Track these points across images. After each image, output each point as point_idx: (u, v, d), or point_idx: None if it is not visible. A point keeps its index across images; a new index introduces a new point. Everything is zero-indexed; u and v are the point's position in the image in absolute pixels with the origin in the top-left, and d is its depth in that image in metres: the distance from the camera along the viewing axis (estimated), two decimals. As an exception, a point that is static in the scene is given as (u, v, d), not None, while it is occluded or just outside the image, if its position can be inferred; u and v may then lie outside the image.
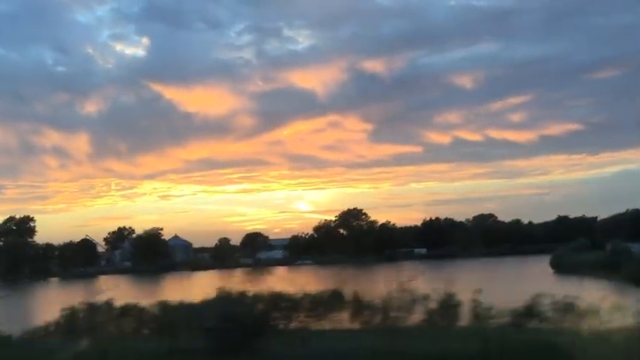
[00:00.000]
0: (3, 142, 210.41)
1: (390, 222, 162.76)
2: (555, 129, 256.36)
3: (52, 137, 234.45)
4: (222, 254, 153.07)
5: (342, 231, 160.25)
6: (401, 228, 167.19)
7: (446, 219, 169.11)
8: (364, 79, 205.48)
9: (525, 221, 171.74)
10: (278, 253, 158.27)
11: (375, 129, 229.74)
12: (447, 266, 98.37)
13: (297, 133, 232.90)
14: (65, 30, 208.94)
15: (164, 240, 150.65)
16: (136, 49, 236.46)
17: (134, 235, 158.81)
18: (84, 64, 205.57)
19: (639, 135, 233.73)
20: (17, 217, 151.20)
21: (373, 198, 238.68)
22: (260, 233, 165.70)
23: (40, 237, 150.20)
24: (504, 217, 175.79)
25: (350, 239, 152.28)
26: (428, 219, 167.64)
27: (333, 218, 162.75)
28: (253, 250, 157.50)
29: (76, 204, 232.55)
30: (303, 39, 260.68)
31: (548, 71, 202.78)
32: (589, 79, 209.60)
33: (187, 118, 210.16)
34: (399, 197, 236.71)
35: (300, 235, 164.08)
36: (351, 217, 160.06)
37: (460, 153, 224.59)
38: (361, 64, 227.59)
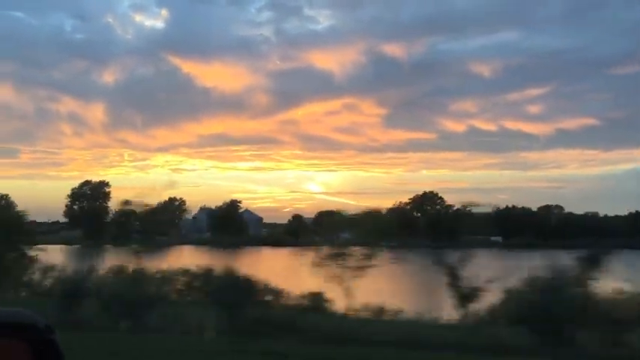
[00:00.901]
0: (19, 106, 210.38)
1: (465, 207, 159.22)
2: (571, 123, 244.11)
3: (68, 104, 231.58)
4: (297, 231, 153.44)
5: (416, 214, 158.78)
6: (472, 214, 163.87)
7: (522, 207, 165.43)
8: (382, 62, 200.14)
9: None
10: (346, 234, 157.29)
11: (390, 114, 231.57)
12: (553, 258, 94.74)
13: (311, 113, 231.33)
14: None
15: (240, 213, 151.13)
16: (155, 20, 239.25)
17: (200, 207, 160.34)
18: (103, 33, 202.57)
19: None
20: (93, 181, 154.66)
21: (384, 183, 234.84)
22: (335, 211, 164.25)
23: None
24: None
25: (424, 223, 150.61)
26: (503, 206, 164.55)
27: (407, 200, 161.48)
28: (327, 229, 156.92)
29: (89, 172, 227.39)
30: (323, 19, 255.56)
31: (568, 64, 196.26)
32: (609, 73, 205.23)
33: (203, 92, 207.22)
34: (410, 183, 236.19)
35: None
36: (427, 200, 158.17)
37: (474, 142, 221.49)
38: (380, 47, 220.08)
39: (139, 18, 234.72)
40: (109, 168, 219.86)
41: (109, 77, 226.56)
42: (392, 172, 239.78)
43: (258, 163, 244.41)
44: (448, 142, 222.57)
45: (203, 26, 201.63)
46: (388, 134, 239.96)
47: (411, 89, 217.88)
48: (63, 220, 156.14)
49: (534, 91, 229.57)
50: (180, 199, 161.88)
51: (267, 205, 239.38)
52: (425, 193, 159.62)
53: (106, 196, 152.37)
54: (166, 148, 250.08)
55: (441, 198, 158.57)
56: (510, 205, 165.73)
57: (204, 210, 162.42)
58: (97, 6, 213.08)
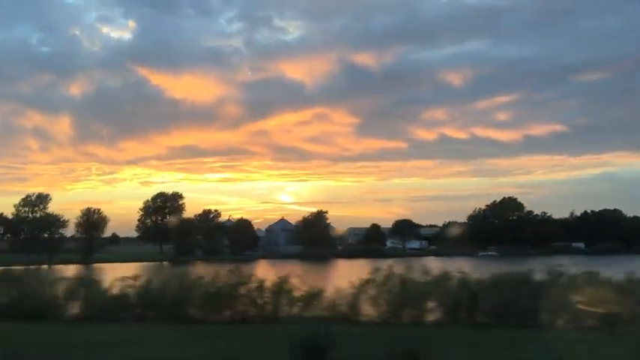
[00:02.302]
0: None
1: (546, 213, 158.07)
2: (539, 129, 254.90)
3: (34, 118, 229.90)
4: (373, 241, 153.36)
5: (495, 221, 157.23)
6: (553, 220, 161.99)
7: (600, 211, 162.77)
8: (353, 72, 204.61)
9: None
10: (415, 243, 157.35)
11: (362, 123, 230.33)
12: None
13: (282, 124, 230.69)
14: (51, 10, 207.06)
15: (328, 223, 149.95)
16: (122, 32, 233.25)
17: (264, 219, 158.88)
18: (69, 46, 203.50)
19: (621, 138, 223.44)
20: (168, 193, 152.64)
21: (356, 192, 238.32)
22: (410, 221, 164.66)
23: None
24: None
25: (504, 230, 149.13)
26: (582, 212, 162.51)
27: (484, 207, 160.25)
28: (402, 238, 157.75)
29: (55, 187, 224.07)
30: (293, 29, 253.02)
31: (536, 71, 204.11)
32: (575, 81, 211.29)
33: (173, 104, 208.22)
34: (381, 192, 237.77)
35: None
36: (505, 206, 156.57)
37: (445, 150, 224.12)
38: (351, 57, 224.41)
39: (106, 30, 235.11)
40: (76, 182, 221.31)
41: (75, 90, 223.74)
42: (363, 180, 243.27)
43: (228, 175, 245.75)
44: (419, 151, 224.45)
45: (172, 38, 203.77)
46: (360, 143, 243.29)
47: (383, 98, 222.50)
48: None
49: (503, 99, 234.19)
50: (215, 210, 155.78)
51: (239, 216, 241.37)
52: (504, 199, 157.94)
53: (181, 208, 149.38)
54: (135, 161, 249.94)
55: (520, 204, 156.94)
56: (589, 211, 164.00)
57: (278, 222, 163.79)
58: (64, 18, 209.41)
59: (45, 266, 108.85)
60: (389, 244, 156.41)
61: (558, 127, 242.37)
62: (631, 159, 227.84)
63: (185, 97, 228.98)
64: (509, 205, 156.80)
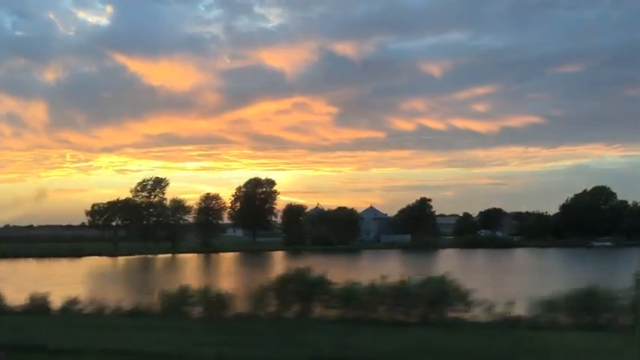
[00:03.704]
0: None
1: (637, 203, 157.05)
2: (516, 121, 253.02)
3: (7, 104, 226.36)
4: (465, 230, 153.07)
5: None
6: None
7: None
8: (333, 61, 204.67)
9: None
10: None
11: (341, 113, 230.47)
12: None
13: (261, 112, 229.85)
14: None
15: (432, 212, 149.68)
16: (99, 17, 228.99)
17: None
18: (44, 30, 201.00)
19: (596, 131, 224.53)
20: (261, 178, 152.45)
21: (333, 181, 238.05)
22: (500, 209, 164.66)
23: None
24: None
25: (599, 220, 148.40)
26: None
27: (571, 196, 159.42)
28: (493, 227, 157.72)
29: (29, 174, 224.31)
30: (273, 17, 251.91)
31: (514, 63, 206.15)
32: (552, 72, 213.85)
33: (150, 91, 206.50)
34: (359, 181, 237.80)
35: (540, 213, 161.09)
36: (597, 195, 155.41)
37: (422, 140, 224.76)
38: (331, 46, 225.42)
39: (82, 15, 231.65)
40: (50, 170, 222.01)
41: (50, 75, 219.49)
42: (342, 170, 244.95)
43: (206, 163, 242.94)
44: (397, 141, 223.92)
45: (150, 24, 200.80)
46: (338, 133, 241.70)
47: (362, 88, 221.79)
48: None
49: (481, 90, 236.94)
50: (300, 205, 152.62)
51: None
52: (595, 189, 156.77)
53: (275, 195, 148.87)
54: (111, 149, 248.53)
55: (612, 193, 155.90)
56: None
57: (368, 211, 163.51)
58: (39, 2, 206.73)
59: (170, 255, 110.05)
60: (482, 233, 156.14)
61: (534, 119, 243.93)
62: (605, 151, 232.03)
63: (163, 84, 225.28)
64: (601, 193, 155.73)
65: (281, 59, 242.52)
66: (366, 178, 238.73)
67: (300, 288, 24.46)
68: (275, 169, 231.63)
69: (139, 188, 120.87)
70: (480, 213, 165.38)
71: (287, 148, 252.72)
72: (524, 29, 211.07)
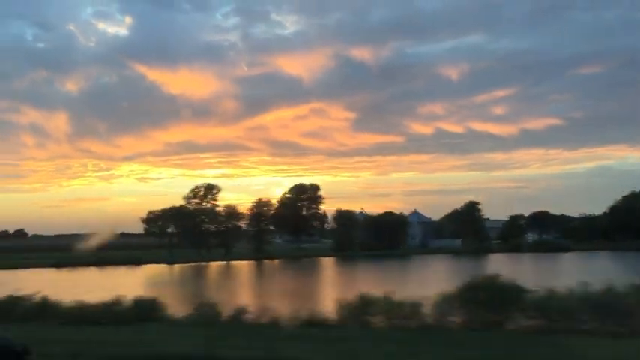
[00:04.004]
0: None
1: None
2: (536, 123, 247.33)
3: (30, 115, 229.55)
4: (511, 234, 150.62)
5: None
6: None
7: None
8: (350, 67, 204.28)
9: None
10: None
11: (358, 118, 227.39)
12: None
13: (279, 119, 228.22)
14: (47, 6, 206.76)
15: (481, 215, 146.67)
16: (119, 28, 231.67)
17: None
18: (65, 42, 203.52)
19: (617, 132, 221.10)
20: (306, 184, 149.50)
21: (352, 187, 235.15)
22: (547, 212, 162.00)
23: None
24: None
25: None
26: None
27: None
28: (540, 231, 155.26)
29: (51, 184, 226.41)
30: (290, 24, 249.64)
31: (533, 65, 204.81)
32: (571, 74, 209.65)
33: (169, 100, 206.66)
34: (378, 187, 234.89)
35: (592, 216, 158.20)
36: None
37: (441, 144, 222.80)
38: (347, 51, 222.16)
39: (102, 26, 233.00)
40: (73, 179, 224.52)
41: (72, 86, 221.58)
42: (360, 175, 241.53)
43: (225, 171, 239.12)
44: (416, 145, 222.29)
45: (168, 33, 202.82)
46: (356, 138, 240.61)
47: (379, 93, 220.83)
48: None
49: (500, 93, 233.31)
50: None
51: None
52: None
53: (320, 200, 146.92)
54: (132, 157, 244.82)
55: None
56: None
57: (412, 215, 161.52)
58: (59, 14, 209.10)
59: (224, 262, 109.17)
60: (529, 237, 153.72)
61: (554, 121, 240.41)
62: (628, 152, 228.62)
63: (182, 92, 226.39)
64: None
65: (298, 65, 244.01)
66: (385, 183, 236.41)
67: (492, 296, 23.05)
68: (294, 176, 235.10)
69: (190, 195, 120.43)
70: (530, 215, 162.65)
71: (305, 154, 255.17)
72: (543, 31, 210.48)
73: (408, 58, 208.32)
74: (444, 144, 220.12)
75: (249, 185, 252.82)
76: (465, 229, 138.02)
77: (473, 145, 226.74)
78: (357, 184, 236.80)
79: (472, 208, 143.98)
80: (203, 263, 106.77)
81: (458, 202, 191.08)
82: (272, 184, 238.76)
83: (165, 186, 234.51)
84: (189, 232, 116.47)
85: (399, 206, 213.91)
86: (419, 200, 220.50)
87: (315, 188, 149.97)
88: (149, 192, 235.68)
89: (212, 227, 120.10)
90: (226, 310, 25.27)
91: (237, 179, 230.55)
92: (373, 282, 63.38)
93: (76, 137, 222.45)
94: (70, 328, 22.84)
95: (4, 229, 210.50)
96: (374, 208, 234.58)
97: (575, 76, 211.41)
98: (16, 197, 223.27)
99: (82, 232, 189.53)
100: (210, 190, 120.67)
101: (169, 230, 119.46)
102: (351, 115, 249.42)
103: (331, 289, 55.40)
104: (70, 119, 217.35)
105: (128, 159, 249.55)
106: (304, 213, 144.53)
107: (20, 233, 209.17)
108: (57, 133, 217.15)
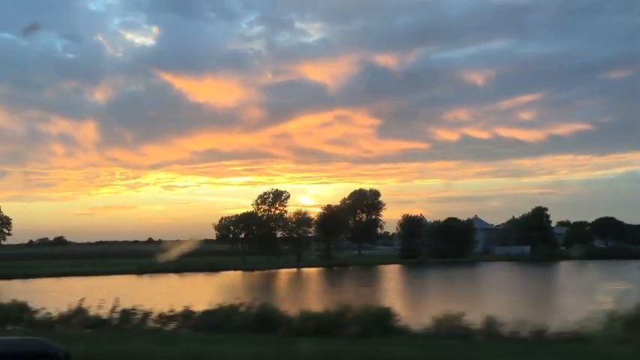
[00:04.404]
0: (10, 128, 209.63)
1: None
2: (564, 128, 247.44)
3: (60, 124, 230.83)
4: (576, 240, 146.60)
5: None
6: None
7: None
8: (374, 73, 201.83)
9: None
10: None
11: (383, 124, 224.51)
12: None
13: (304, 126, 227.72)
14: (76, 17, 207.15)
15: (549, 221, 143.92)
16: (146, 38, 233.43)
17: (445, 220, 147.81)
18: (93, 52, 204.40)
19: None
20: (367, 189, 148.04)
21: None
22: (613, 218, 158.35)
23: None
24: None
25: None
26: None
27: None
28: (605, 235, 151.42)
29: (80, 192, 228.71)
30: (314, 32, 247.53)
31: (560, 70, 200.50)
32: (600, 78, 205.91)
33: (195, 108, 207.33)
34: (403, 193, 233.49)
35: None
36: None
37: (467, 150, 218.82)
38: (372, 58, 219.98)
39: (129, 36, 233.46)
40: (101, 187, 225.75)
41: (100, 96, 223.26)
42: (385, 182, 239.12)
43: (250, 178, 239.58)
44: (441, 152, 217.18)
45: (194, 42, 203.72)
46: (381, 145, 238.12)
47: (404, 99, 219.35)
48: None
49: (527, 98, 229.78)
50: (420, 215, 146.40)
51: None
52: None
53: (381, 206, 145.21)
54: (158, 165, 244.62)
55: None
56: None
57: (474, 221, 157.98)
58: (88, 25, 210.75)
59: (295, 269, 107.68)
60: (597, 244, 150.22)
61: (582, 126, 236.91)
62: None
63: (207, 100, 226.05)
64: None
65: (322, 73, 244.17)
66: (410, 190, 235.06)
67: None
68: (318, 183, 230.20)
69: (259, 201, 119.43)
70: (595, 221, 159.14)
71: (330, 161, 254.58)
72: (570, 36, 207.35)
73: (433, 63, 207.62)
74: (470, 150, 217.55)
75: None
76: (532, 236, 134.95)
77: (500, 151, 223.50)
78: (381, 190, 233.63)
79: (539, 213, 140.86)
80: (273, 270, 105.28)
81: (484, 209, 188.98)
82: (296, 191, 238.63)
83: (191, 193, 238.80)
84: (259, 238, 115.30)
85: (424, 213, 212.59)
86: (444, 207, 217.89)
87: (375, 194, 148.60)
88: (175, 200, 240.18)
89: (282, 233, 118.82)
90: (467, 321, 23.53)
91: (262, 186, 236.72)
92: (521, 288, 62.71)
93: (104, 146, 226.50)
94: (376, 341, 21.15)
95: (42, 237, 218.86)
96: (397, 214, 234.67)
97: (604, 81, 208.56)
98: (47, 205, 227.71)
99: (119, 239, 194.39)
100: (279, 196, 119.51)
101: (241, 236, 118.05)
102: (376, 122, 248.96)
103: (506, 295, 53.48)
104: (98, 128, 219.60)
105: (155, 167, 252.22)
106: (364, 219, 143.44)
107: (60, 241, 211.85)
108: (85, 142, 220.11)
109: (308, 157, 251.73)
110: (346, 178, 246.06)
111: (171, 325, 24.67)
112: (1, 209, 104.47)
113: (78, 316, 25.16)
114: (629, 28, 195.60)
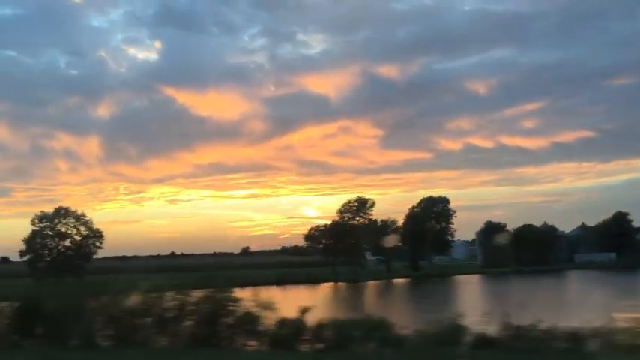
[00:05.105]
0: (14, 145, 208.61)
1: None
2: (567, 136, 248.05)
3: (64, 140, 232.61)
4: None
5: None
6: None
7: None
8: (377, 84, 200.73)
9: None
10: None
11: (386, 135, 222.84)
12: None
13: (307, 138, 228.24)
14: (79, 33, 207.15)
15: (633, 227, 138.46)
16: (149, 53, 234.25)
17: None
18: (97, 68, 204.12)
19: None
20: (435, 197, 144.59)
21: (381, 204, 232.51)
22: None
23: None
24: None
25: None
26: None
27: None
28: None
29: (84, 207, 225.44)
30: (316, 44, 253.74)
31: (563, 77, 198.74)
32: (604, 85, 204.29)
33: (198, 122, 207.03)
34: (407, 203, 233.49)
35: None
36: None
37: (471, 160, 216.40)
38: (374, 69, 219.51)
39: (132, 51, 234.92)
40: (105, 202, 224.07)
41: (103, 111, 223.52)
42: (389, 192, 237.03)
43: (254, 191, 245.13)
44: (445, 161, 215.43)
45: (197, 56, 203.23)
46: (385, 155, 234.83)
47: (407, 109, 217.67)
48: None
49: (530, 106, 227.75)
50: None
51: (265, 232, 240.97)
52: None
53: (450, 213, 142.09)
54: (162, 180, 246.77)
55: None
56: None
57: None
58: (91, 41, 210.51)
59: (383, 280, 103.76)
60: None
61: (587, 134, 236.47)
62: None
63: (210, 114, 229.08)
64: None
65: (325, 84, 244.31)
66: (414, 200, 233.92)
67: None
68: (322, 194, 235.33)
69: (342, 210, 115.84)
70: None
71: (334, 172, 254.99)
72: (574, 43, 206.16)
73: (435, 73, 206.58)
74: (474, 159, 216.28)
75: (277, 205, 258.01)
76: (613, 242, 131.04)
77: (503, 160, 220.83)
78: (385, 201, 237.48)
79: (620, 218, 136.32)
80: (370, 281, 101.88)
81: (489, 218, 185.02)
82: (300, 203, 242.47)
83: (194, 207, 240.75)
84: (346, 248, 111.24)
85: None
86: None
87: (444, 201, 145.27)
88: (178, 214, 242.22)
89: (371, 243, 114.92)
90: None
91: (266, 199, 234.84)
92: None
93: (108, 161, 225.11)
94: None
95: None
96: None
97: (608, 88, 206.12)
98: None
99: (127, 254, 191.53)
100: (364, 204, 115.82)
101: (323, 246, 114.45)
102: (379, 133, 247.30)
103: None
104: (102, 143, 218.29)
105: (158, 181, 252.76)
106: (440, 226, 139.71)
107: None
108: (89, 158, 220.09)
109: (311, 168, 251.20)
110: (350, 189, 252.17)
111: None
112: (93, 222, 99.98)
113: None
114: (632, 35, 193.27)
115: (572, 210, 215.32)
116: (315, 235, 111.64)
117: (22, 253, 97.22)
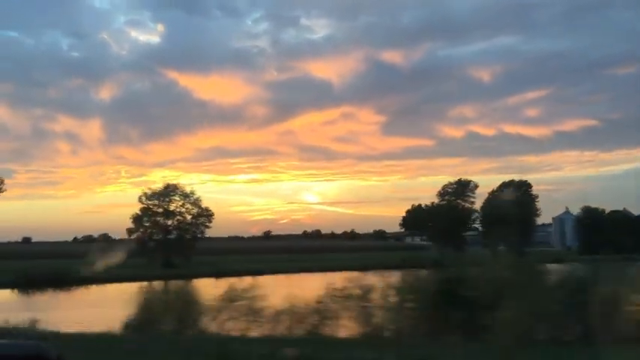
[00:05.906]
0: (15, 127, 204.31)
1: None
2: (570, 125, 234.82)
3: (65, 123, 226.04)
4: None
5: None
6: None
7: None
8: (380, 70, 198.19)
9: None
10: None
11: (388, 121, 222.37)
12: None
13: (309, 123, 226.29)
14: (80, 15, 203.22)
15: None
16: (151, 35, 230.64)
17: None
18: (98, 50, 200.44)
19: None
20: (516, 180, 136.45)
21: (382, 191, 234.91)
22: None
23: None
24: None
25: None
26: None
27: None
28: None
29: (85, 190, 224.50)
30: (319, 28, 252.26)
31: (567, 66, 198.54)
32: (608, 74, 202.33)
33: (200, 105, 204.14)
34: (407, 190, 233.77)
35: None
36: None
37: (472, 147, 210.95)
38: (378, 54, 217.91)
39: (134, 34, 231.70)
40: (106, 185, 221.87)
41: (105, 94, 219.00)
42: (389, 179, 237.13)
43: (255, 175, 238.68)
44: (447, 148, 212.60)
45: (199, 39, 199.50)
46: (386, 142, 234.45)
47: (410, 96, 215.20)
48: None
49: (533, 95, 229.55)
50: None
51: (266, 217, 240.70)
52: None
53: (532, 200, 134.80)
54: (163, 163, 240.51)
55: None
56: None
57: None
58: (93, 23, 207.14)
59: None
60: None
61: (589, 122, 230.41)
62: None
63: (212, 98, 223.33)
64: None
65: (328, 69, 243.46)
66: (415, 187, 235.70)
67: None
68: (323, 180, 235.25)
69: (442, 192, 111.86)
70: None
71: (335, 158, 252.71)
72: (579, 32, 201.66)
73: (439, 60, 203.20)
74: (475, 147, 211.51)
75: (277, 190, 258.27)
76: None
77: (505, 148, 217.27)
78: (386, 187, 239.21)
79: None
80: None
81: None
82: (301, 188, 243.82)
83: (196, 191, 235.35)
84: (443, 232, 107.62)
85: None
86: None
87: (526, 185, 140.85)
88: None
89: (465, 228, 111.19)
90: None
91: (267, 184, 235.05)
92: None
93: (109, 144, 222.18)
94: None
95: (86, 234, 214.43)
96: (399, 211, 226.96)
97: (612, 77, 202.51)
98: (51, 203, 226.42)
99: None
100: (465, 186, 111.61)
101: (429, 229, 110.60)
102: (381, 119, 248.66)
103: None
104: (103, 126, 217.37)
105: (160, 165, 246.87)
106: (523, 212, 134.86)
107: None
108: (90, 141, 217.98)
109: (313, 154, 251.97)
110: (351, 175, 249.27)
111: None
112: (201, 200, 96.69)
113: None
114: (637, 24, 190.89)
115: (573, 199, 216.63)
116: (417, 216, 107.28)
117: (129, 232, 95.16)
